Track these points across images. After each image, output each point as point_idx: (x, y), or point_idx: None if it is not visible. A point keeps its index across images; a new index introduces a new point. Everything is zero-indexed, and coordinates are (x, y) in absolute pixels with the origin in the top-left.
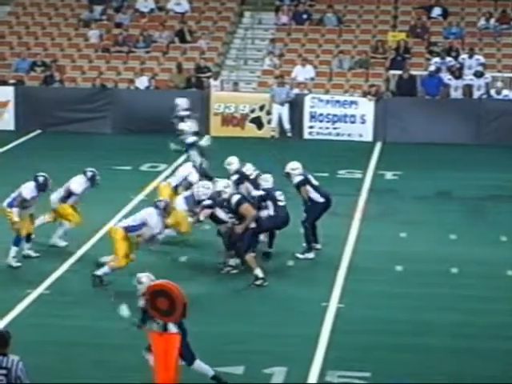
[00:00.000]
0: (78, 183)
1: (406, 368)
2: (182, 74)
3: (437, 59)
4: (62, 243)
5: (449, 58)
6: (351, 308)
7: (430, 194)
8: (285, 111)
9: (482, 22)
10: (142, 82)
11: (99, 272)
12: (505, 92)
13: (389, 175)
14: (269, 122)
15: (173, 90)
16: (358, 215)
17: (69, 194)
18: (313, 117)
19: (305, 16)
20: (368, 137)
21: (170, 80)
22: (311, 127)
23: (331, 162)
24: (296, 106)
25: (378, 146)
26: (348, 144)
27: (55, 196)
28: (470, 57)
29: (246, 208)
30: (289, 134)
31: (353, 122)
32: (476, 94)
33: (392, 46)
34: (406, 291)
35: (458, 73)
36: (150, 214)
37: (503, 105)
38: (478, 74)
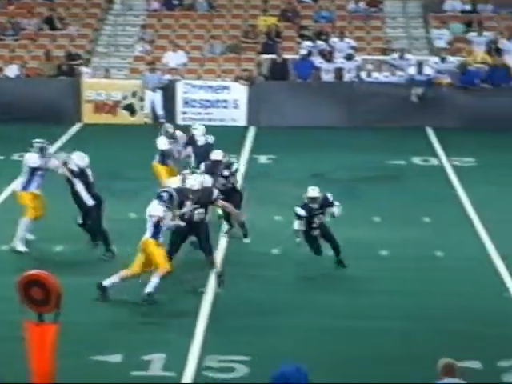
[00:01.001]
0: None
1: (285, 349)
2: (51, 62)
3: (308, 43)
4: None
5: (320, 42)
6: (228, 292)
7: (304, 177)
8: (157, 97)
9: (352, 5)
10: (11, 71)
11: (148, 289)
12: (375, 74)
13: (263, 159)
14: (141, 108)
15: (43, 78)
16: None
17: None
18: (186, 102)
19: (176, 1)
20: (241, 121)
21: (39, 68)
22: (184, 113)
23: None
24: (168, 91)
25: (252, 131)
26: (221, 129)
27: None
28: (341, 40)
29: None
30: (162, 120)
31: (225, 107)
32: (347, 77)
33: (263, 31)
34: (282, 273)
35: (328, 56)
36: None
37: (373, 87)
38: (349, 57)
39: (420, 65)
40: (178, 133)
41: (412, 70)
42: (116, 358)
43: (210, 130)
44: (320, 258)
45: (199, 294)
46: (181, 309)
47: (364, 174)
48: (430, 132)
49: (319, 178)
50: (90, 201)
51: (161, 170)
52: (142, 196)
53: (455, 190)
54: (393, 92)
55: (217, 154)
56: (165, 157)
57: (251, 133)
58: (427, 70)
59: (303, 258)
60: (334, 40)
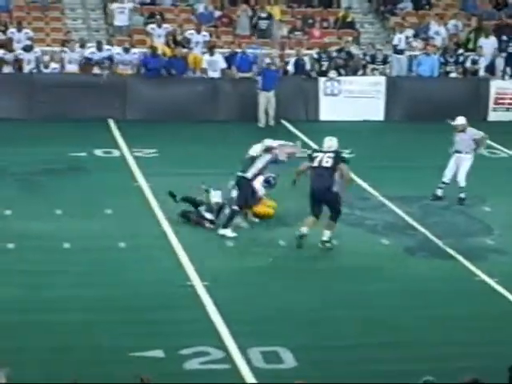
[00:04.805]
0: None
1: None
2: None
3: None
4: None
5: None
6: None
7: None
8: None
9: None
10: None
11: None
12: (53, 65)
13: None
14: None
15: None
16: None
17: None
18: None
19: None
20: None
21: None
22: None
23: None
24: None
25: None
26: None
27: None
28: (19, 31)
29: None
30: None
31: None
32: (26, 68)
33: None
34: None
35: (8, 47)
36: None
37: (53, 78)
38: (28, 48)
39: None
40: None
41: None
42: None
43: None
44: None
45: None
46: None
47: (45, 167)
48: (112, 123)
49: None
50: None
51: None
52: None
53: (138, 181)
54: (74, 83)
55: None
56: None
57: None
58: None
59: None
60: (12, 30)
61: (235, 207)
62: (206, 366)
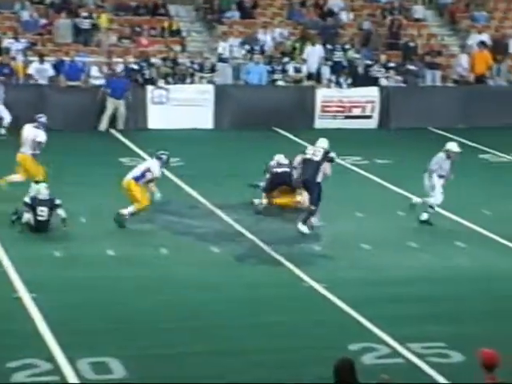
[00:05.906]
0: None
1: None
2: None
3: None
4: None
5: None
6: None
7: None
8: None
9: None
10: None
11: (125, 211)
12: None
13: None
14: None
15: None
16: None
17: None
18: None
19: None
20: None
21: None
22: None
23: None
24: None
25: None
26: None
27: None
28: None
29: None
30: None
31: None
32: None
33: None
34: None
35: None
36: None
37: None
38: None
39: None
40: None
41: None
42: None
43: None
44: None
45: None
46: None
47: None
48: None
49: None
50: None
51: None
52: None
53: None
54: None
55: None
56: None
57: None
58: None
59: None
60: None
61: (313, 207)
62: (34, 379)
